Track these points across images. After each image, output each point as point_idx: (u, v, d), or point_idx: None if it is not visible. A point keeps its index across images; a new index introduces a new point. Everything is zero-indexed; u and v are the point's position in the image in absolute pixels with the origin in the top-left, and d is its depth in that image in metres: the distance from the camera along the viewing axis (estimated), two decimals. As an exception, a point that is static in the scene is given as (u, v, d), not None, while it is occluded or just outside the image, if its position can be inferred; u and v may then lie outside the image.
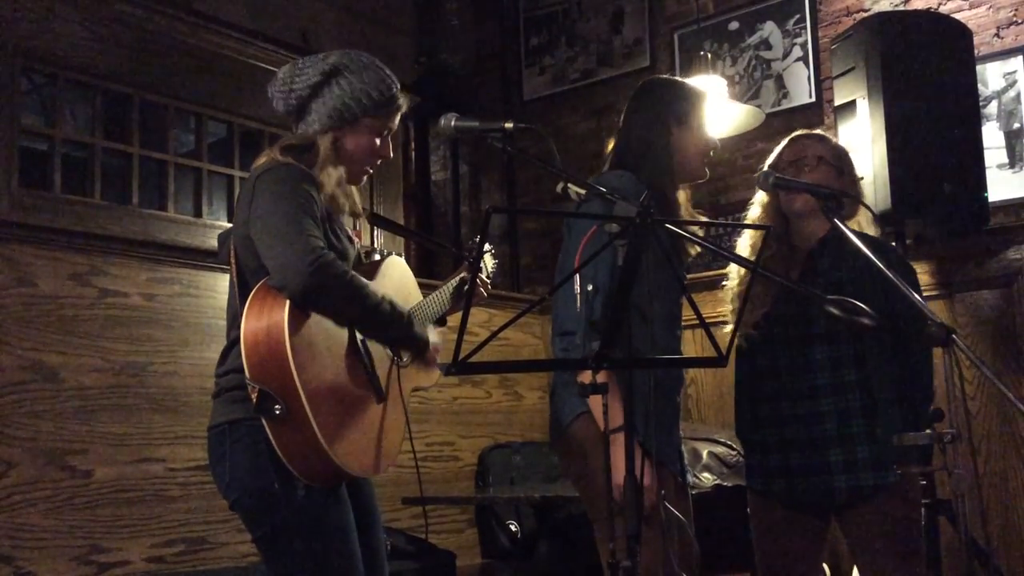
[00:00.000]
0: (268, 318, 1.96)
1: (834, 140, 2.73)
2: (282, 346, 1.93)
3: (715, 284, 4.13)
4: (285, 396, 1.92)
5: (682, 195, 2.53)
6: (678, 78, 2.55)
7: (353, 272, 2.05)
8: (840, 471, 2.49)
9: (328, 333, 2.05)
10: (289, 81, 2.22)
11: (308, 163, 2.17)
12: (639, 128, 2.48)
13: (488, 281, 2.59)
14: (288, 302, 1.96)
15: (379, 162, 2.30)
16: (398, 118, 2.30)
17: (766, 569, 2.62)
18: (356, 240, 2.35)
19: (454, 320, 2.40)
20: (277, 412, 1.92)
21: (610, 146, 2.53)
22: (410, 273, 2.45)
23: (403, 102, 2.30)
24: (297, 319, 1.97)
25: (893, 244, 3.44)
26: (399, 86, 2.28)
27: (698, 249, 2.48)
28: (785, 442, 2.53)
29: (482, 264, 2.60)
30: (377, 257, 2.40)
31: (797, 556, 2.58)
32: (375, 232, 5.02)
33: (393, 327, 2.12)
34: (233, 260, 2.16)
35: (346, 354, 2.08)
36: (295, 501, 2.01)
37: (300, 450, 1.95)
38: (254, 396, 1.94)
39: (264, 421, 1.95)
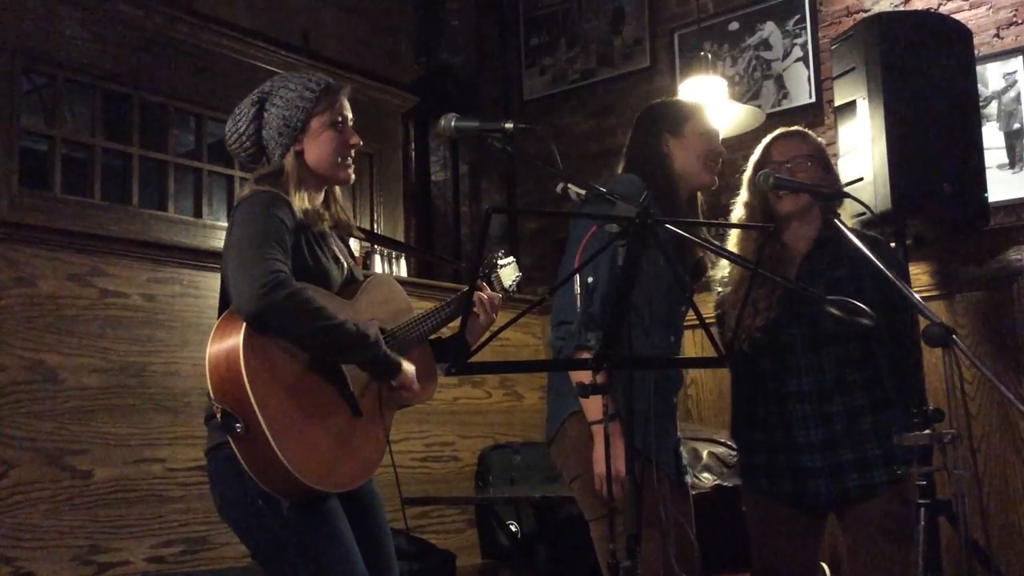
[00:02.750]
0: (227, 340, 2.02)
1: (813, 135, 2.72)
2: (237, 365, 1.97)
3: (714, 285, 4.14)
4: (243, 413, 1.96)
5: (700, 203, 2.61)
6: (675, 98, 2.64)
7: (311, 295, 2.04)
8: (852, 470, 2.49)
9: (294, 351, 2.07)
10: (234, 129, 2.27)
11: (284, 188, 2.19)
12: (638, 143, 2.56)
13: (498, 295, 2.51)
14: (245, 324, 2.00)
15: (352, 152, 2.29)
16: (346, 104, 2.29)
17: (765, 569, 2.62)
18: (346, 261, 2.32)
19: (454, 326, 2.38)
20: (238, 430, 1.96)
21: (619, 170, 2.56)
22: (399, 290, 2.43)
23: (341, 86, 2.30)
24: (256, 339, 2.01)
25: (892, 245, 3.44)
26: (327, 79, 2.29)
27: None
28: (794, 443, 2.52)
29: (495, 278, 2.56)
30: (362, 276, 2.37)
31: (797, 555, 2.58)
32: (375, 232, 5.02)
33: (355, 348, 2.09)
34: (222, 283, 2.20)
35: (316, 371, 2.10)
36: (280, 517, 2.04)
37: (263, 466, 1.99)
38: (218, 415, 1.99)
39: (230, 440, 1.99)
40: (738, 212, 2.68)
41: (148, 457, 3.30)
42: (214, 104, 4.58)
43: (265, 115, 2.24)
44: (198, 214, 4.50)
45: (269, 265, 2.00)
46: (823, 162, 2.64)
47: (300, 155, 2.23)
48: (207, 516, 3.38)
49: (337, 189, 2.36)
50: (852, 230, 2.55)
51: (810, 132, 2.72)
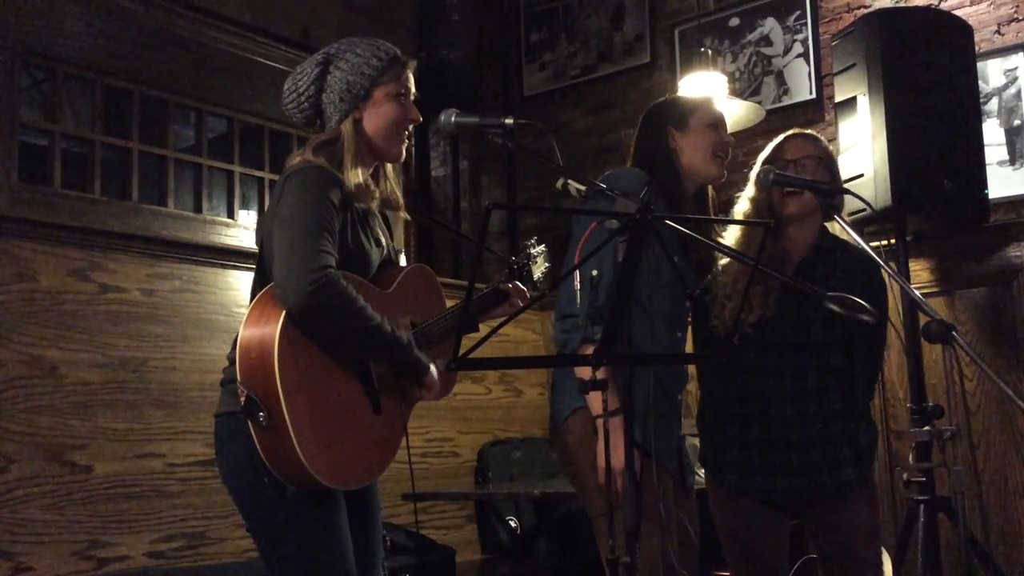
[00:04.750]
0: (264, 327, 1.98)
1: (824, 141, 2.73)
2: (270, 358, 1.94)
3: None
4: (269, 405, 1.94)
5: (711, 197, 2.62)
6: (679, 95, 2.63)
7: (355, 294, 2.01)
8: (823, 470, 2.52)
9: (327, 346, 2.04)
10: (293, 88, 2.22)
11: (338, 157, 2.16)
12: (643, 139, 2.55)
13: (524, 288, 2.50)
14: (284, 314, 1.97)
15: (409, 128, 2.25)
16: (412, 78, 2.26)
17: (739, 564, 2.63)
18: (386, 242, 2.30)
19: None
20: (261, 419, 1.94)
21: (628, 165, 2.56)
22: (435, 282, 2.41)
23: (408, 60, 2.25)
24: (293, 332, 1.98)
25: (892, 241, 3.43)
26: (396, 50, 2.24)
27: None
28: (770, 441, 2.54)
29: (530, 269, 2.55)
30: (398, 258, 2.36)
31: (768, 551, 2.60)
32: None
33: (389, 351, 2.08)
34: (259, 248, 2.17)
35: (345, 366, 2.08)
36: (284, 499, 2.03)
37: (280, 458, 1.97)
38: (242, 399, 1.96)
39: (249, 424, 1.97)
40: (742, 207, 2.67)
41: (148, 452, 3.30)
42: (214, 99, 4.58)
43: (328, 77, 2.19)
44: (198, 209, 4.49)
45: (320, 260, 1.96)
46: (830, 167, 2.64)
47: (358, 123, 2.19)
48: (207, 511, 3.39)
49: (388, 166, 2.32)
50: (840, 240, 2.59)
51: (822, 137, 2.73)
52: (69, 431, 3.11)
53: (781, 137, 2.68)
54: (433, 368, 2.18)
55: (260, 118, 4.78)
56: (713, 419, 2.66)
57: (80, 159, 4.18)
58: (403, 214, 2.37)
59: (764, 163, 2.63)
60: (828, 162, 2.64)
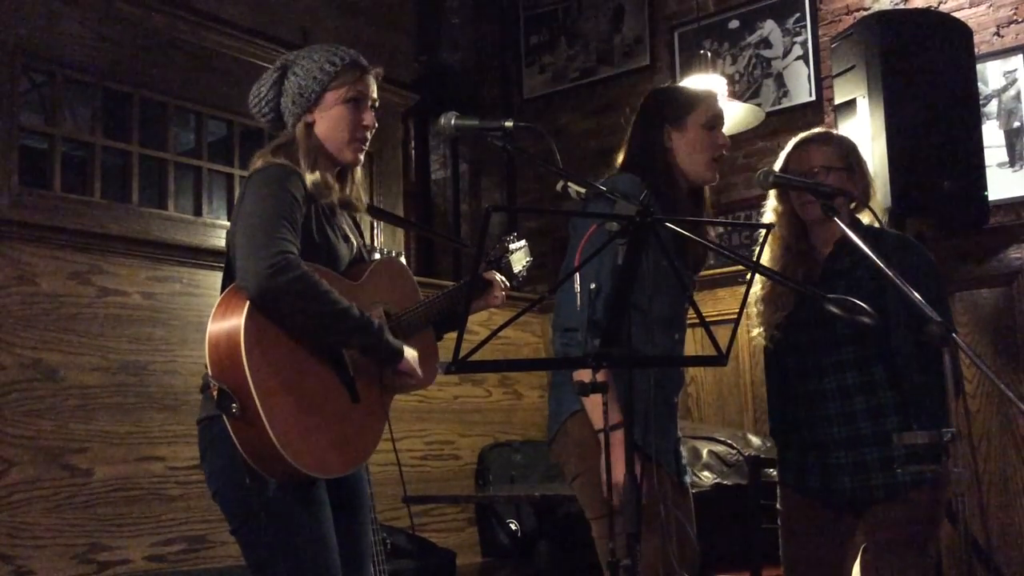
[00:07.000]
0: (229, 319, 1.99)
1: (837, 136, 2.70)
2: (237, 347, 1.95)
3: (715, 283, 4.14)
4: (240, 395, 1.95)
5: (706, 195, 2.58)
6: (680, 85, 2.57)
7: (317, 278, 2.01)
8: (877, 468, 2.47)
9: (292, 331, 2.04)
10: (256, 92, 2.28)
11: (295, 159, 2.18)
12: (639, 136, 2.52)
13: (507, 281, 2.51)
14: (248, 303, 1.98)
15: (367, 133, 2.26)
16: (371, 83, 2.27)
17: (792, 565, 2.61)
18: (355, 239, 2.31)
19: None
20: (234, 411, 1.95)
21: (619, 160, 2.54)
22: (408, 274, 2.42)
23: (365, 64, 2.27)
24: (258, 320, 1.98)
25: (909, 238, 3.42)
26: (355, 56, 2.26)
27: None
28: (820, 441, 2.53)
29: (506, 263, 2.55)
30: (377, 256, 2.37)
31: (824, 553, 2.58)
32: (375, 231, 5.03)
33: (358, 335, 2.07)
34: (227, 250, 2.18)
35: (316, 355, 2.08)
36: (265, 497, 2.03)
37: (257, 448, 1.98)
38: (215, 393, 1.97)
39: (224, 418, 1.98)
40: (768, 218, 2.67)
41: (148, 456, 3.30)
42: (214, 102, 4.58)
43: (285, 82, 2.24)
44: (198, 212, 4.50)
45: (278, 245, 1.97)
46: (847, 167, 2.58)
47: (310, 127, 2.22)
48: (207, 514, 3.38)
49: (358, 170, 2.32)
50: (873, 229, 2.56)
51: (833, 133, 2.69)
52: (69, 434, 3.11)
53: (791, 145, 2.65)
54: (408, 352, 2.16)
55: (260, 121, 4.78)
56: (776, 422, 2.69)
57: (80, 162, 4.19)
58: (365, 215, 2.38)
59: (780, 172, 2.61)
60: (843, 160, 2.57)
